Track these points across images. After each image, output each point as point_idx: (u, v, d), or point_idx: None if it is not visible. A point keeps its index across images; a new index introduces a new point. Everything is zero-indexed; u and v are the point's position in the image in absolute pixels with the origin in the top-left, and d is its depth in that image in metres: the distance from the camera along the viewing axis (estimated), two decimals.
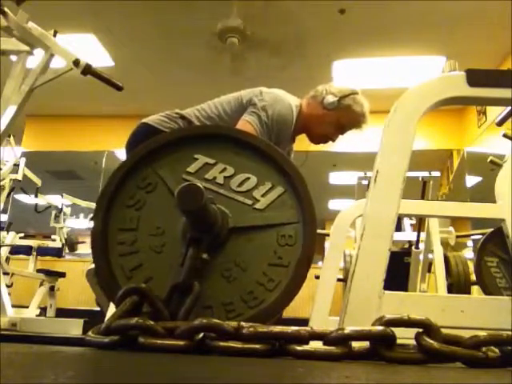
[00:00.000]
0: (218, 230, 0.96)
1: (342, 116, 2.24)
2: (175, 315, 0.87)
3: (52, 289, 4.80)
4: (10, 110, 1.99)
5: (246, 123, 1.97)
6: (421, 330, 0.82)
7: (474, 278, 3.29)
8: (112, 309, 3.52)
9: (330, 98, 2.20)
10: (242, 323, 0.85)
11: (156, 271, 0.96)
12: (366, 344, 0.83)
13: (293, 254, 0.94)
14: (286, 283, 0.92)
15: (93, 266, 3.78)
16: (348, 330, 0.82)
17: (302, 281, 0.94)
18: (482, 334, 0.81)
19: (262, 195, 1.00)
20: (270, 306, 0.91)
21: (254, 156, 1.03)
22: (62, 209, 6.20)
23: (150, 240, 0.98)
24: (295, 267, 0.93)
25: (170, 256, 0.96)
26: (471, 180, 6.23)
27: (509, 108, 2.42)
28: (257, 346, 0.81)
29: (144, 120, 2.20)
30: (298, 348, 0.83)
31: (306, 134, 2.30)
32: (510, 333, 0.80)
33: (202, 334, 0.83)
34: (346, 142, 6.88)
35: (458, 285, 3.60)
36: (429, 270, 3.78)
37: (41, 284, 4.76)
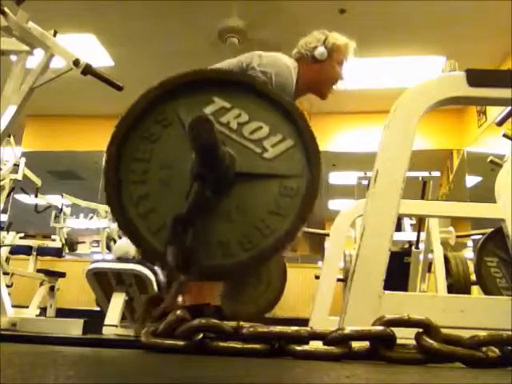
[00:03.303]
0: (224, 170, 0.98)
1: (336, 55, 2.28)
2: (177, 248, 0.90)
3: (52, 289, 4.80)
4: (10, 110, 1.99)
5: None
6: (421, 330, 0.82)
7: (474, 277, 3.28)
8: (112, 309, 3.49)
9: (319, 50, 2.21)
10: (241, 323, 0.85)
11: (161, 203, 0.99)
12: (366, 344, 0.83)
13: (292, 205, 0.97)
14: (282, 232, 0.95)
15: (92, 265, 3.78)
16: (348, 329, 0.82)
17: (297, 232, 0.97)
18: (482, 334, 0.81)
19: (272, 146, 1.03)
20: (264, 250, 0.95)
21: (271, 107, 1.05)
22: (61, 209, 6.20)
23: (160, 172, 1.02)
24: (293, 218, 0.96)
25: (177, 191, 0.99)
26: (471, 180, 6.22)
27: (509, 108, 2.42)
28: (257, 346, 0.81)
29: None
30: (298, 348, 0.83)
31: (313, 94, 2.31)
32: (509, 333, 0.80)
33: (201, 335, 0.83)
34: (346, 142, 6.90)
35: (457, 285, 3.60)
36: (429, 270, 3.78)
37: (41, 284, 4.76)
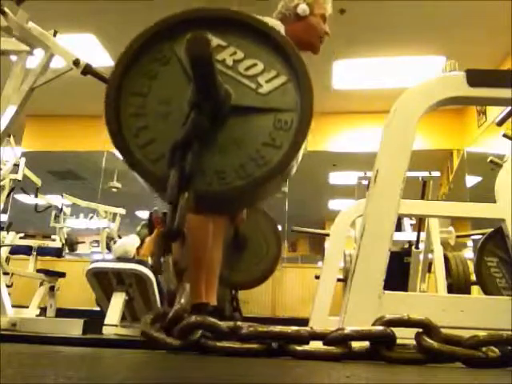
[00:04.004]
0: (221, 102, 1.03)
1: (317, 9, 2.27)
2: (177, 171, 0.96)
3: (52, 289, 4.80)
4: (10, 110, 2.00)
5: None
6: (420, 329, 0.82)
7: (474, 277, 3.29)
8: (112, 309, 3.48)
9: (301, 7, 2.22)
10: (239, 323, 0.85)
11: (160, 134, 1.04)
12: (366, 344, 0.83)
13: (286, 137, 1.02)
14: (276, 162, 1.01)
15: (92, 265, 3.77)
16: (348, 330, 0.82)
17: (290, 163, 1.02)
18: (482, 334, 0.81)
19: (266, 81, 1.07)
20: (258, 179, 1.00)
21: (265, 45, 1.10)
22: (61, 209, 6.20)
23: (158, 107, 1.06)
24: (286, 150, 1.01)
25: (174, 124, 1.03)
26: (471, 180, 6.23)
27: (509, 108, 2.42)
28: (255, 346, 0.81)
29: None
30: (298, 348, 0.83)
31: (305, 51, 2.31)
32: (509, 333, 0.80)
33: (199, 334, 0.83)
34: (346, 142, 6.90)
35: (457, 285, 3.60)
36: (429, 270, 3.78)
37: (41, 284, 4.76)
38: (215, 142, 1.04)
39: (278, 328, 0.83)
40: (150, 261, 3.85)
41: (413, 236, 4.03)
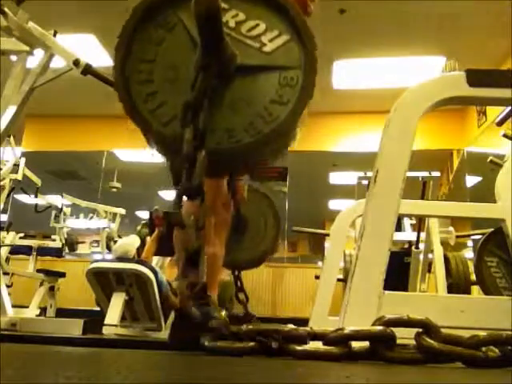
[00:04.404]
0: (227, 60, 1.06)
1: None
2: (191, 129, 0.98)
3: (52, 289, 4.80)
4: (10, 110, 2.00)
5: None
6: (420, 330, 0.82)
7: (474, 277, 3.28)
8: (112, 309, 3.48)
9: None
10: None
11: (169, 98, 1.07)
12: (366, 344, 0.83)
13: (292, 94, 1.05)
14: (283, 118, 1.04)
15: (92, 265, 3.77)
16: (348, 330, 0.82)
17: (297, 119, 1.05)
18: (482, 333, 0.81)
19: (270, 41, 1.10)
20: (267, 135, 1.03)
21: (265, 5, 1.12)
22: (61, 209, 6.20)
23: (165, 72, 1.09)
24: (293, 106, 1.04)
25: (182, 88, 1.06)
26: (471, 180, 6.23)
27: (509, 108, 2.42)
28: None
29: None
30: (298, 348, 0.82)
31: None
32: (509, 332, 0.80)
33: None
34: (346, 142, 6.90)
35: (457, 285, 3.60)
36: (429, 270, 3.78)
37: (41, 284, 4.76)
38: (224, 102, 1.07)
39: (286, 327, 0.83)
40: (153, 262, 3.86)
41: (413, 236, 4.03)
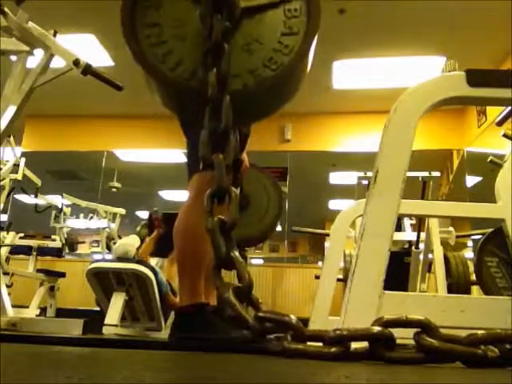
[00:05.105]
0: (233, 4, 1.10)
1: None
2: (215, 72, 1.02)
3: (52, 289, 4.80)
4: (10, 110, 1.99)
5: None
6: (419, 329, 0.82)
7: (474, 277, 3.28)
8: (112, 309, 3.48)
9: None
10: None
11: (185, 55, 1.10)
12: (365, 344, 0.83)
13: (300, 23, 1.10)
14: (298, 46, 1.09)
15: (92, 265, 3.76)
16: (346, 330, 0.82)
17: (311, 45, 1.09)
18: (480, 332, 0.81)
19: None
20: (288, 65, 1.08)
21: None
22: (61, 209, 6.20)
23: (174, 31, 1.12)
24: (304, 34, 1.09)
25: (195, 42, 1.11)
26: (471, 180, 6.23)
27: (509, 108, 2.42)
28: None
29: None
30: (297, 347, 0.83)
31: None
32: (508, 331, 0.80)
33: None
34: (346, 142, 6.90)
35: (457, 285, 3.60)
36: (429, 270, 3.78)
37: (41, 284, 4.76)
38: (238, 46, 1.11)
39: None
40: (150, 261, 3.85)
41: (413, 236, 4.03)
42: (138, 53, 1.10)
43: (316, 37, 1.10)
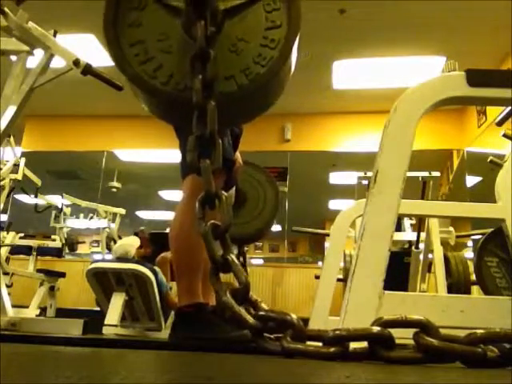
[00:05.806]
0: (215, 8, 1.09)
1: None
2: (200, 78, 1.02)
3: (52, 289, 4.80)
4: (10, 110, 1.99)
5: None
6: (419, 329, 0.82)
7: (474, 277, 3.28)
8: (112, 309, 3.48)
9: None
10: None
11: (175, 67, 1.11)
12: (365, 344, 0.83)
13: (282, 14, 1.10)
14: (284, 39, 1.08)
15: (92, 265, 3.77)
16: (345, 330, 0.82)
17: (296, 36, 1.08)
18: (479, 331, 0.81)
19: None
20: (278, 58, 1.08)
21: None
22: (61, 209, 6.20)
23: (159, 45, 1.13)
24: (287, 25, 1.09)
25: (181, 53, 1.10)
26: (471, 180, 6.23)
27: (509, 108, 2.42)
28: None
29: None
30: (298, 347, 0.83)
31: None
32: (507, 330, 0.80)
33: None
34: (346, 142, 6.90)
35: (457, 285, 3.60)
36: (429, 270, 3.78)
37: (41, 284, 4.76)
38: (225, 47, 1.10)
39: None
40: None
41: (413, 236, 4.02)
42: (133, 75, 1.11)
43: (300, 26, 1.10)
